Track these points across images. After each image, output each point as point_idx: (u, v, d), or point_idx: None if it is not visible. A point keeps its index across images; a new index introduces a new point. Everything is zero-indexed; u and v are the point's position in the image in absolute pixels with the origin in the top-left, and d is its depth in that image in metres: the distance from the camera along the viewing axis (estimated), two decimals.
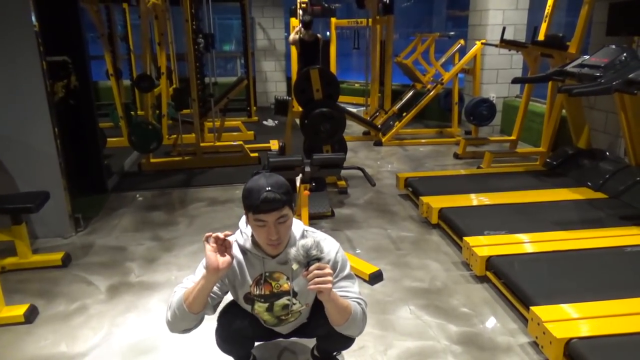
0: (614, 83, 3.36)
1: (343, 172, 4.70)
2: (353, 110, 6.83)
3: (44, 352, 2.38)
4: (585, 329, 2.19)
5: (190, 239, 3.64)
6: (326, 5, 8.04)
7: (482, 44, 6.31)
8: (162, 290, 2.91)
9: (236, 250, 1.73)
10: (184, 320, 1.64)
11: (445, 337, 2.44)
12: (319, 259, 1.51)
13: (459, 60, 6.83)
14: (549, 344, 2.16)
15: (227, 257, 1.57)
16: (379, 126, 6.62)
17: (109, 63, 6.28)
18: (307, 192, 3.39)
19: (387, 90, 7.42)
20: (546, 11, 5.28)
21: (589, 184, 4.11)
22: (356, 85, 9.63)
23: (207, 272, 1.56)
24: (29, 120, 3.44)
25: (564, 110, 4.89)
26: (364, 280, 2.97)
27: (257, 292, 1.74)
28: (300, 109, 4.57)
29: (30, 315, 2.63)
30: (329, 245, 1.73)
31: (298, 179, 3.41)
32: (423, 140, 6.68)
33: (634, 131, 3.80)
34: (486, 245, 3.04)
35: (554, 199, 3.91)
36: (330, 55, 8.60)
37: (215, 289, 1.70)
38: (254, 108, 8.56)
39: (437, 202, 3.79)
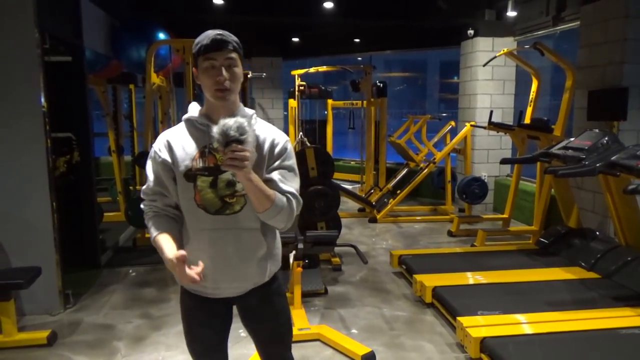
0: (598, 165, 3.49)
1: (337, 249, 4.71)
2: (349, 187, 6.95)
3: None
4: None
5: (180, 317, 3.56)
6: (323, 88, 8.43)
7: (471, 125, 6.58)
8: None
9: (179, 129, 1.72)
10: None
11: None
12: (239, 141, 1.43)
13: (451, 140, 7.08)
14: None
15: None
16: (374, 203, 6.72)
17: (111, 140, 6.48)
18: (299, 269, 3.39)
19: (381, 168, 7.61)
20: (531, 97, 5.58)
21: (582, 263, 4.12)
22: (352, 162, 9.87)
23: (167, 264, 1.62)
24: (27, 195, 3.51)
25: (553, 189, 5.02)
26: None
27: (201, 165, 1.67)
28: None
29: None
30: (275, 134, 1.70)
31: (291, 256, 3.42)
32: (417, 218, 6.75)
33: (621, 211, 3.88)
34: (480, 325, 3.00)
35: (547, 278, 3.91)
36: (327, 134, 8.92)
37: (168, 185, 1.70)
38: None
39: (430, 280, 3.77)
